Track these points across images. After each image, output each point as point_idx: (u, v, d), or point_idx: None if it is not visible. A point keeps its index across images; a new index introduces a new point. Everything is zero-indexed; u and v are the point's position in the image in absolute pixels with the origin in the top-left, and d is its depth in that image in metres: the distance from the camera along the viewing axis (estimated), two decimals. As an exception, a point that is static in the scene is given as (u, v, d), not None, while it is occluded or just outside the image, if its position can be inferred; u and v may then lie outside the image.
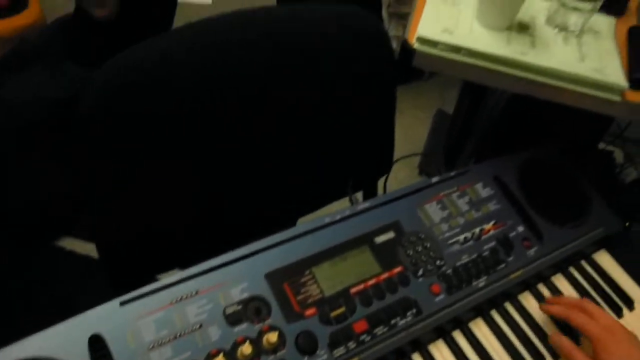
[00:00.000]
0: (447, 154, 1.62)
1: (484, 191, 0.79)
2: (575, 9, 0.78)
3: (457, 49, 0.76)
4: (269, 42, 0.74)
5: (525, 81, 0.75)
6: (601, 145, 1.69)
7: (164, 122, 0.70)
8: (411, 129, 2.02)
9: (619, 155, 1.78)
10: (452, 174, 0.81)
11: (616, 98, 0.74)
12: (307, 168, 0.87)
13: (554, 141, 0.94)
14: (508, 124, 1.17)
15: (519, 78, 0.75)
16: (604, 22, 0.85)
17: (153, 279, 0.64)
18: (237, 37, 0.72)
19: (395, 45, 1.97)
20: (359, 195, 0.99)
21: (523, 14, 0.82)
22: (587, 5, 0.78)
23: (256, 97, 0.75)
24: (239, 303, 0.61)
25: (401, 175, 1.77)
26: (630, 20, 0.89)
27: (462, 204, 0.77)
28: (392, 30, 2.00)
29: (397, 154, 1.00)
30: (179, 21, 1.52)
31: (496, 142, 1.19)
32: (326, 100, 0.81)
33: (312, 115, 0.82)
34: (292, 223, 0.94)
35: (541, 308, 0.71)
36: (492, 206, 0.78)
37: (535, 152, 0.89)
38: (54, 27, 1.48)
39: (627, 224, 1.60)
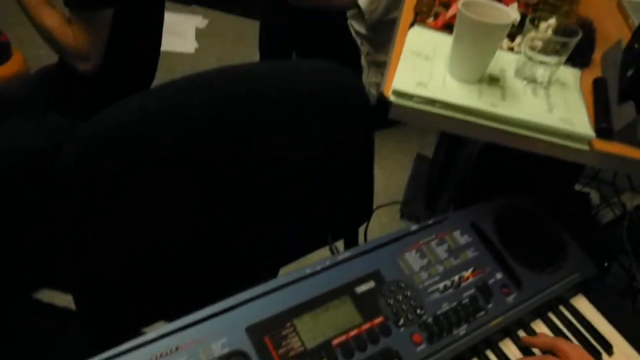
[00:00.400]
0: (427, 198, 1.65)
1: (462, 238, 0.81)
2: (542, 62, 0.82)
3: (431, 102, 0.78)
4: (250, 98, 0.76)
5: (497, 131, 0.78)
6: (577, 187, 1.73)
7: (145, 177, 0.70)
8: (392, 172, 2.05)
9: (595, 197, 1.82)
10: (431, 222, 0.82)
11: (584, 147, 0.77)
12: (288, 218, 0.88)
13: (530, 185, 0.97)
14: (485, 169, 1.19)
15: (491, 128, 0.78)
16: (570, 74, 0.90)
17: (138, 332, 0.64)
18: (218, 95, 0.74)
19: (374, 91, 2.03)
20: (340, 243, 1.00)
21: (493, 67, 0.85)
22: (553, 60, 0.82)
23: (237, 151, 0.76)
24: (219, 358, 0.60)
25: (383, 220, 1.78)
26: (595, 72, 0.94)
27: (441, 251, 0.78)
28: (371, 77, 2.05)
29: (378, 198, 1.02)
30: (162, 69, 1.55)
31: (474, 186, 1.21)
32: (306, 151, 0.83)
33: (293, 167, 0.84)
34: (274, 272, 0.94)
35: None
36: (470, 253, 0.79)
37: (512, 198, 0.91)
38: (37, 77, 1.50)
39: (605, 264, 1.63)
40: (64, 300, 1.41)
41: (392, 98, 0.80)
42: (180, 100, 0.72)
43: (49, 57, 1.35)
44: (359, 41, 1.99)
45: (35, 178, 1.30)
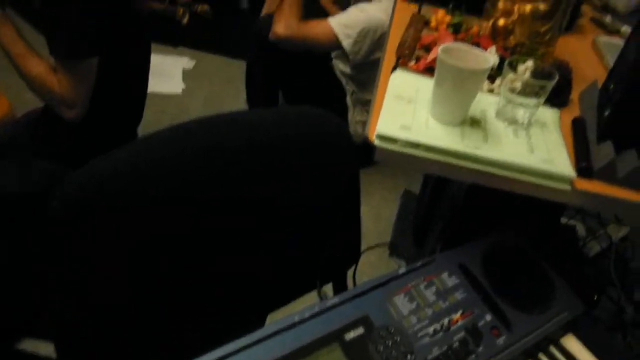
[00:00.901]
0: (415, 236, 1.65)
1: (450, 280, 0.81)
2: (522, 104, 0.84)
3: (415, 145, 0.80)
4: (239, 146, 0.77)
5: (480, 173, 0.79)
6: (563, 220, 1.75)
7: (133, 225, 0.70)
8: (380, 209, 2.06)
9: (581, 229, 1.83)
10: (418, 264, 0.82)
11: (566, 187, 0.78)
12: (275, 262, 0.87)
13: (516, 221, 0.97)
14: (471, 206, 1.20)
15: (475, 170, 0.79)
16: (550, 115, 0.92)
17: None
18: (207, 144, 0.75)
19: (360, 129, 2.05)
20: (329, 287, 0.99)
21: (474, 109, 0.87)
22: (532, 102, 0.83)
23: (225, 197, 0.76)
24: (206, 414, 0.59)
25: (372, 258, 1.78)
26: (573, 111, 0.96)
27: (430, 294, 0.78)
28: (356, 115, 2.08)
29: (366, 235, 1.02)
30: (149, 111, 1.56)
31: (461, 224, 1.22)
32: (293, 194, 0.84)
33: (280, 211, 0.84)
34: (262, 320, 0.93)
35: None
36: (459, 295, 0.79)
37: (498, 236, 0.92)
38: (23, 122, 1.50)
39: (595, 297, 1.62)
40: (48, 350, 1.37)
41: (376, 142, 0.81)
42: (169, 150, 0.72)
43: (35, 101, 1.35)
44: (344, 80, 2.03)
45: (18, 224, 1.29)
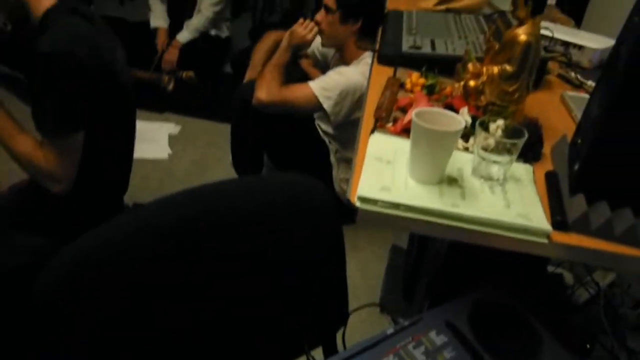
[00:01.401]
0: (404, 292, 1.65)
1: (438, 339, 0.81)
2: (495, 162, 0.87)
3: (395, 205, 0.82)
4: (227, 214, 0.79)
5: (460, 230, 0.81)
6: (550, 269, 1.76)
7: (121, 302, 0.70)
8: (369, 264, 2.06)
9: (568, 277, 1.85)
10: (406, 323, 0.83)
11: (543, 240, 0.80)
12: (262, 326, 0.87)
13: (502, 273, 0.99)
14: (456, 261, 1.22)
15: (454, 227, 0.81)
16: (523, 170, 0.95)
17: None
18: (195, 214, 0.76)
19: (345, 186, 2.08)
20: (319, 351, 0.99)
21: (451, 168, 0.90)
22: (505, 159, 0.87)
23: (214, 262, 0.77)
24: None
25: (363, 316, 1.76)
26: (546, 165, 1.00)
27: (419, 354, 0.78)
28: (341, 173, 2.12)
29: (355, 291, 1.02)
30: (135, 176, 1.57)
31: (447, 280, 1.23)
32: (278, 258, 0.85)
33: (266, 274, 0.84)
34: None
35: None
36: (447, 354, 0.79)
37: (484, 291, 0.93)
38: (8, 195, 1.50)
39: (587, 346, 1.62)
40: None
41: (357, 204, 0.83)
42: (159, 220, 0.74)
43: (21, 172, 1.36)
44: (327, 139, 2.08)
45: (5, 298, 1.27)
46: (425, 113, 0.85)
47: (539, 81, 1.35)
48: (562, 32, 1.63)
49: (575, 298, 1.77)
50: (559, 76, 1.46)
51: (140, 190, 1.96)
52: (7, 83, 1.62)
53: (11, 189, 1.51)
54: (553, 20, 1.83)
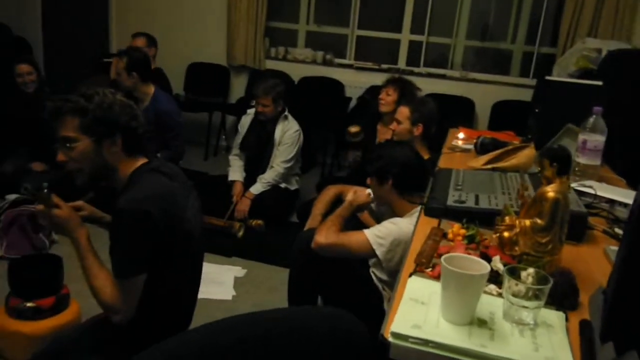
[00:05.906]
0: None
1: None
2: (524, 306, 0.93)
3: (425, 342, 0.88)
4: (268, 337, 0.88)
5: (488, 370, 0.85)
6: None
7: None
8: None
9: None
10: None
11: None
12: None
13: None
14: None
15: (482, 367, 0.85)
16: (555, 316, 0.99)
17: None
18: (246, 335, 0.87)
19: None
20: None
21: (483, 311, 0.96)
22: (533, 304, 0.92)
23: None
24: None
25: None
26: (583, 314, 1.03)
27: None
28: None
29: None
30: (199, 315, 1.67)
31: None
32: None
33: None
34: None
35: None
36: None
37: None
38: (86, 325, 1.66)
39: None
40: None
41: (390, 339, 0.90)
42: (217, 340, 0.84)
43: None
44: (380, 287, 2.14)
45: None
46: (454, 258, 0.95)
47: (581, 235, 1.41)
48: (608, 191, 1.71)
49: None
50: (604, 232, 1.51)
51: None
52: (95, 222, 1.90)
53: (88, 322, 1.67)
54: (601, 179, 1.91)
